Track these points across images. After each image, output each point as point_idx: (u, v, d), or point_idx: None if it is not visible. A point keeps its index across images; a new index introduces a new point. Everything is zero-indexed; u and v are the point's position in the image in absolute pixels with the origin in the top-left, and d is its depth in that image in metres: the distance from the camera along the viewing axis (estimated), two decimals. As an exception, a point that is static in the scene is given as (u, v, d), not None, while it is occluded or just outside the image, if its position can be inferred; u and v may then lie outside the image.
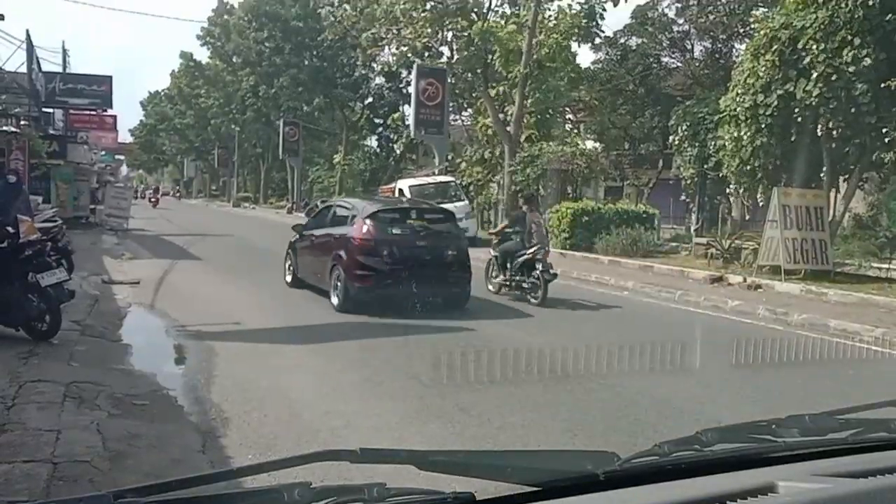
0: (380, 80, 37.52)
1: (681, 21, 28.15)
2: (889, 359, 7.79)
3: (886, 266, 13.07)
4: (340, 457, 1.26)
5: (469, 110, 30.34)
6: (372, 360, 6.67)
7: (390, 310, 8.51)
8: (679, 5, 26.76)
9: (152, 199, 45.14)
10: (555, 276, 10.40)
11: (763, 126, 13.19)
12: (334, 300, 9.26)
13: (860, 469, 1.36)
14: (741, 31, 24.97)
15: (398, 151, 36.43)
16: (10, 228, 6.89)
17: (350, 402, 5.37)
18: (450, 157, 26.33)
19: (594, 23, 22.43)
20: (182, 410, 5.22)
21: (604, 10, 22.05)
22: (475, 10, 23.43)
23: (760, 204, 14.26)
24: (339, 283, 9.18)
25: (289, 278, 11.29)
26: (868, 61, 11.52)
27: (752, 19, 16.96)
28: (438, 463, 1.32)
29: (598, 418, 5.06)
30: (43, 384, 5.34)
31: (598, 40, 25.92)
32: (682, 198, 20.28)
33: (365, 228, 9.16)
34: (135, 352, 7.16)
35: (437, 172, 24.18)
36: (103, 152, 40.17)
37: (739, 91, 13.71)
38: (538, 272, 10.16)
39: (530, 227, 10.71)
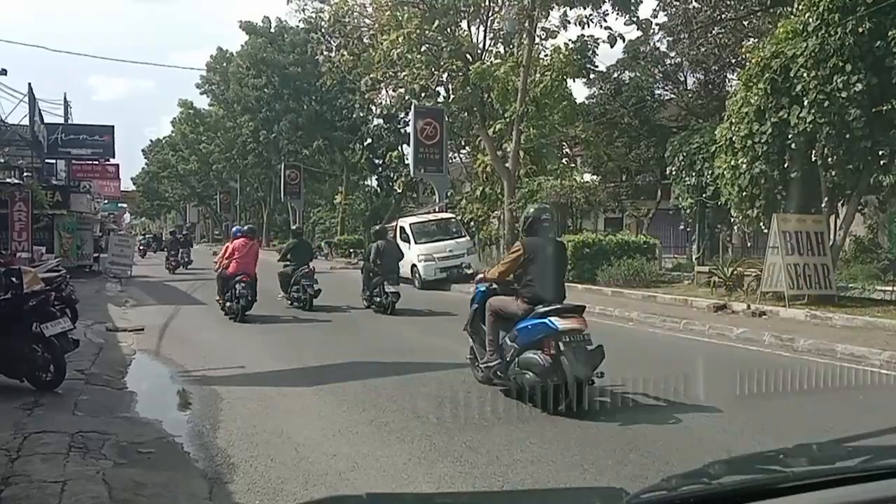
0: (378, 121, 37.94)
1: (672, 54, 28.61)
2: (898, 382, 7.71)
3: (890, 289, 13.02)
4: (347, 503, 1.26)
5: (467, 148, 30.61)
6: (377, 400, 6.63)
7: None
8: (670, 39, 27.18)
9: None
10: None
11: (759, 153, 13.27)
12: None
13: (870, 498, 1.34)
14: (733, 61, 25.34)
15: (398, 190, 36.68)
16: (14, 279, 6.94)
17: (356, 444, 5.33)
18: (450, 194, 26.49)
19: (587, 59, 22.75)
20: (188, 457, 5.18)
21: (597, 45, 22.40)
22: (469, 51, 23.81)
23: (764, 230, 14.26)
24: None
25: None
26: (859, 86, 11.62)
27: (743, 49, 17.17)
28: None
29: (608, 452, 5.00)
30: (48, 435, 5.32)
31: (591, 76, 26.32)
32: (683, 227, 20.30)
33: None
34: (140, 399, 7.13)
35: (437, 210, 24.31)
36: (106, 201, 40.56)
37: (734, 120, 13.83)
38: None
39: None
